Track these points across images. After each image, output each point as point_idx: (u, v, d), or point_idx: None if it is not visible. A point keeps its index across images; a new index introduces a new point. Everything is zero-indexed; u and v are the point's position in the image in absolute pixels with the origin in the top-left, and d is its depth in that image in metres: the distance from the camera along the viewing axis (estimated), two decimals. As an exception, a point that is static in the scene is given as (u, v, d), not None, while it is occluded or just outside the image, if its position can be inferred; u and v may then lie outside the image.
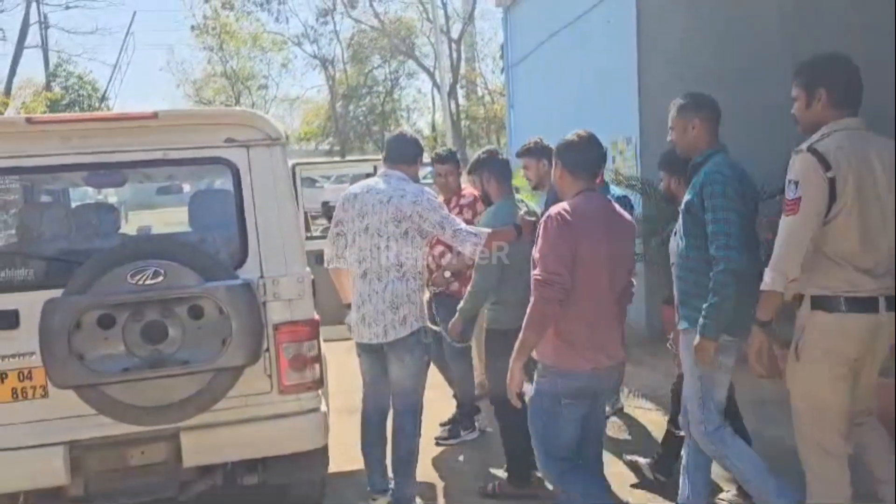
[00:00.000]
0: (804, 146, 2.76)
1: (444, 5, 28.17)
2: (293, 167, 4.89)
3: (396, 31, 29.95)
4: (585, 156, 2.98)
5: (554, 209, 2.89)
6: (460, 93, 30.29)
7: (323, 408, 3.32)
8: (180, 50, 64.00)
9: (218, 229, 3.37)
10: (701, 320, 2.97)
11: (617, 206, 3.05)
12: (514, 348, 2.87)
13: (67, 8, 26.88)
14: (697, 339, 2.98)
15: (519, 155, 4.52)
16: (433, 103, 32.91)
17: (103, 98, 29.16)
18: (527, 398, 3.00)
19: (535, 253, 2.88)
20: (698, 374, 3.12)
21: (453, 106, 26.96)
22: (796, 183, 2.70)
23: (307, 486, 3.59)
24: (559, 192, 3.10)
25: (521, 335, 2.85)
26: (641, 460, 4.12)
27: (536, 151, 4.35)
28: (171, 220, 8.56)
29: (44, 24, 26.56)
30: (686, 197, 3.15)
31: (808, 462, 2.93)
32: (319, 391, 3.31)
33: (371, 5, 30.06)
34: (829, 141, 2.72)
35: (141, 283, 2.84)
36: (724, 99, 7.26)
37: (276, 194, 3.21)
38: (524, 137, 12.55)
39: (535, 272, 2.83)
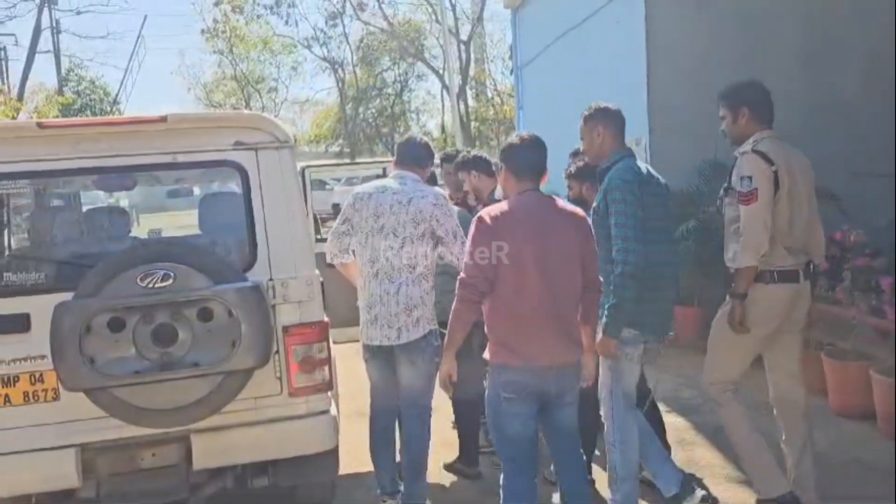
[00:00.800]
0: (747, 148, 3.42)
1: (453, 7, 28.22)
2: (302, 170, 4.89)
3: (405, 34, 29.99)
4: (527, 157, 3.02)
5: (480, 212, 2.99)
6: (469, 94, 30.30)
7: (333, 410, 3.32)
8: (191, 54, 64.44)
9: (227, 232, 3.38)
10: (603, 318, 3.25)
11: (563, 204, 3.06)
12: (445, 341, 3.04)
13: (79, 13, 27.20)
14: (600, 335, 3.26)
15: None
16: (442, 105, 32.96)
17: (115, 102, 29.37)
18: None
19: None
20: (608, 365, 3.40)
21: (462, 107, 26.98)
22: (749, 178, 3.33)
23: (317, 488, 3.58)
24: (505, 193, 3.15)
25: (448, 329, 3.01)
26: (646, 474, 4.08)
27: (454, 161, 4.65)
28: (181, 222, 8.63)
29: (56, 30, 26.75)
30: (595, 201, 3.43)
31: (718, 398, 3.61)
32: (329, 393, 3.31)
33: (380, 8, 30.14)
34: (764, 144, 3.41)
35: (151, 286, 2.85)
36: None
37: (285, 197, 3.22)
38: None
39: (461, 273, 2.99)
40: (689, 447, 4.55)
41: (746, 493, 3.93)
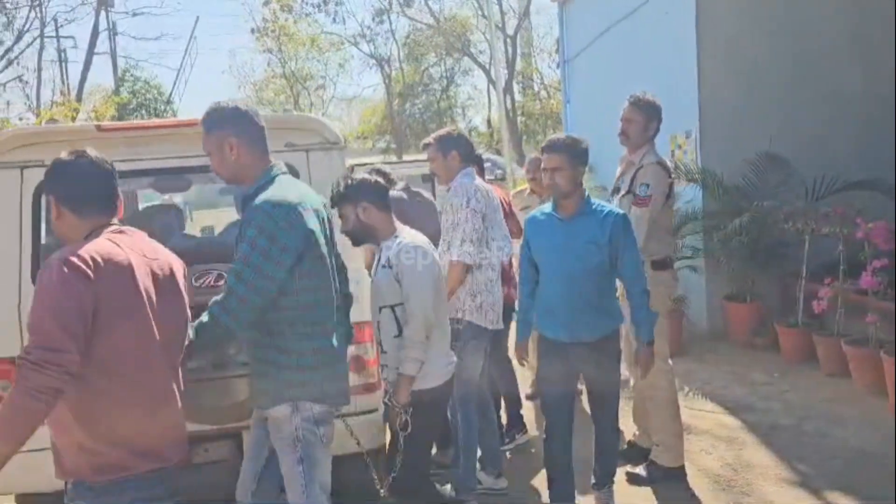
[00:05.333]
0: (652, 160, 3.90)
1: (499, 1, 28.07)
2: (351, 168, 4.93)
3: (451, 29, 29.96)
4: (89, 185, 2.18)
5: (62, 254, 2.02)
6: (516, 89, 30.14)
7: (380, 409, 3.35)
8: (241, 53, 65.55)
9: None
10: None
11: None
12: None
13: (134, 15, 27.82)
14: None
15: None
16: (489, 100, 32.86)
17: (168, 101, 29.99)
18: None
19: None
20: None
21: (509, 102, 26.86)
22: (648, 185, 3.85)
23: (363, 485, 3.62)
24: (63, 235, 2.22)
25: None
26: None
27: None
28: (233, 219, 8.77)
29: (112, 32, 27.52)
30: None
31: (668, 377, 3.97)
32: (377, 392, 3.34)
33: (426, 3, 30.18)
34: (658, 156, 3.96)
35: (204, 286, 2.91)
36: (786, 89, 7.10)
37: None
38: (581, 132, 12.35)
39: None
40: (739, 447, 4.46)
41: (801, 493, 3.85)
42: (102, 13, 25.63)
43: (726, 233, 6.41)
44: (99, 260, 1.99)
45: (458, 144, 3.78)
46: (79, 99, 21.61)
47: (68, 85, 24.85)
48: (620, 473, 4.08)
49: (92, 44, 25.12)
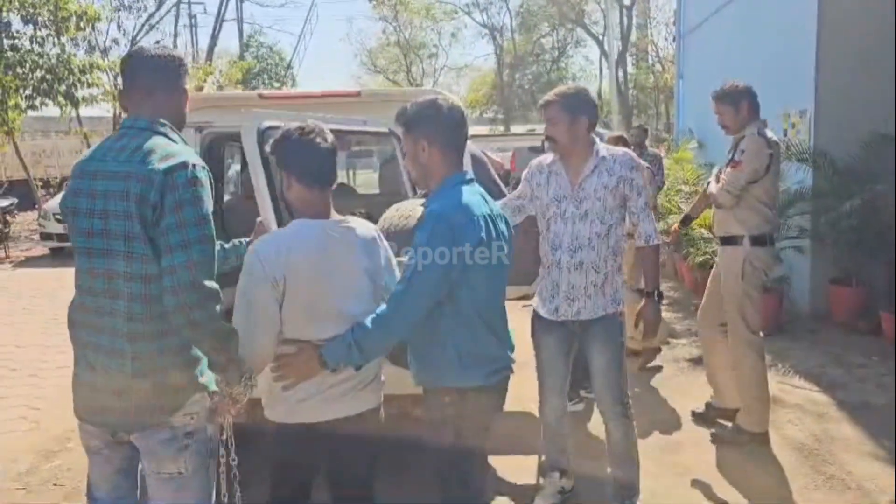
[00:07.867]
0: (754, 132, 4.01)
1: (618, -30, 27.47)
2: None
3: (566, -1, 29.64)
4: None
5: None
6: (629, 61, 29.55)
7: None
8: (358, 21, 66.94)
9: (397, 196, 3.85)
10: None
11: None
12: None
13: (261, -19, 29.08)
14: None
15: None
16: (600, 72, 32.39)
17: (289, 66, 31.33)
18: None
19: None
20: None
21: (621, 74, 26.42)
22: (743, 150, 3.99)
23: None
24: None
25: None
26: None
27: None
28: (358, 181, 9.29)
29: (240, -1, 28.93)
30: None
31: (759, 347, 4.15)
32: None
33: (542, -28, 29.92)
34: (766, 131, 4.06)
35: None
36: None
37: None
38: (692, 108, 12.26)
39: None
40: (827, 421, 4.60)
41: (885, 468, 3.96)
42: (232, -19, 26.93)
43: (836, 215, 6.37)
44: None
45: (589, 109, 3.13)
46: (209, 62, 22.97)
47: (197, 49, 26.43)
48: (705, 434, 4.38)
49: (220, 10, 26.55)
